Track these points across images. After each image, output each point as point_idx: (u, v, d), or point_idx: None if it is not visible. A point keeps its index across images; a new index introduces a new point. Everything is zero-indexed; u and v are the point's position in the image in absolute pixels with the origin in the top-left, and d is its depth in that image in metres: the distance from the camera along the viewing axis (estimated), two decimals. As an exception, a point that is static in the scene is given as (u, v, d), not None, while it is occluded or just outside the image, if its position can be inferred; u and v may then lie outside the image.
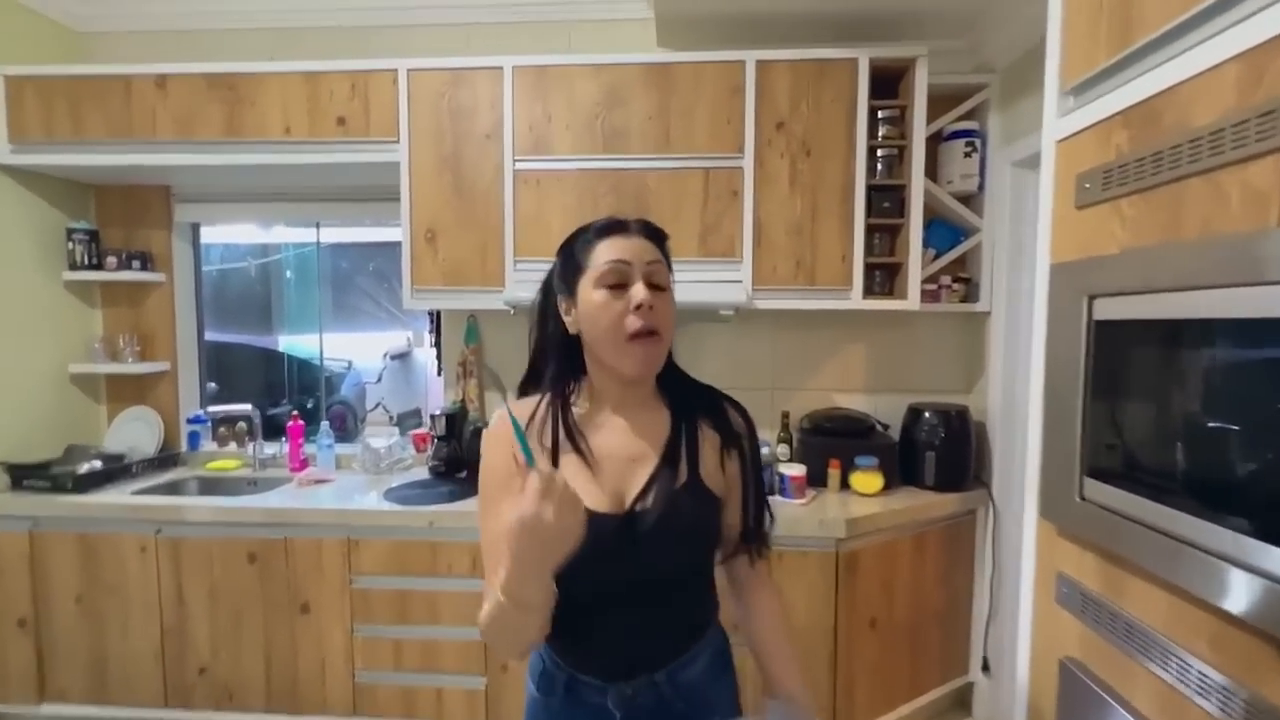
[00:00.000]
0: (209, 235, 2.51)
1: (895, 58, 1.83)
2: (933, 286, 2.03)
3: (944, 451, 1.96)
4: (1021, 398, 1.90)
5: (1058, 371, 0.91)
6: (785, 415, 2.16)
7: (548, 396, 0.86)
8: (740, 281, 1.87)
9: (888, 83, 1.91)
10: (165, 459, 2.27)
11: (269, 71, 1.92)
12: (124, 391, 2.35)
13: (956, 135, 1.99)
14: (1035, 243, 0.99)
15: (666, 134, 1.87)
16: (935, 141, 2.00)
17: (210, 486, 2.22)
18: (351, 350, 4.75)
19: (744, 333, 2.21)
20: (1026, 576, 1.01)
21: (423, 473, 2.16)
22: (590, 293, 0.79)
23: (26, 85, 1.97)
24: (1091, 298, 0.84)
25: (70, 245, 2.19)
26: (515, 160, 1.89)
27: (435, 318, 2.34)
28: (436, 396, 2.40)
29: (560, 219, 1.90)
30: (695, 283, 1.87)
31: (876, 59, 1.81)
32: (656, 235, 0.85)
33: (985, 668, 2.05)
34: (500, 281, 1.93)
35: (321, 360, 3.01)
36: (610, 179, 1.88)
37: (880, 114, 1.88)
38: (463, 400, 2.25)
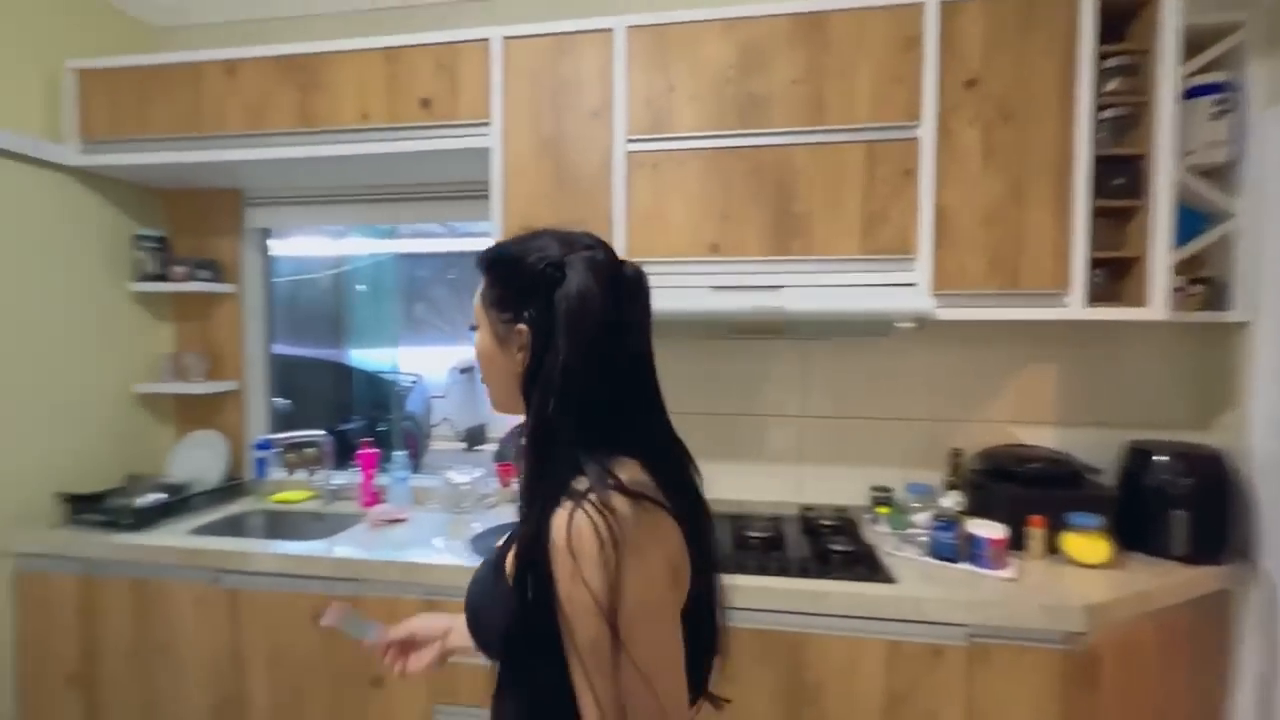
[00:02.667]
0: (279, 250, 2.31)
1: (1130, -12, 1.39)
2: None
3: (1194, 509, 1.47)
4: (1314, 440, 1.39)
5: None
6: (956, 454, 1.71)
7: None
8: (915, 285, 1.46)
9: (1112, 25, 1.46)
10: (230, 488, 2.05)
11: (345, 50, 1.67)
12: (192, 413, 2.16)
13: (1200, 91, 1.52)
14: None
15: (818, 101, 1.48)
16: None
17: (275, 523, 1.97)
18: (419, 364, 4.58)
19: (892, 350, 1.79)
20: None
21: (509, 512, 1.84)
22: None
23: (97, 80, 1.80)
24: None
25: (138, 254, 2.02)
26: (628, 141, 1.56)
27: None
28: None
29: (683, 210, 1.54)
30: (854, 287, 1.47)
31: (1106, -9, 1.38)
32: (481, 263, 0.73)
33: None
34: (608, 288, 1.58)
35: (395, 375, 2.78)
36: (746, 159, 1.52)
37: (1108, 63, 1.43)
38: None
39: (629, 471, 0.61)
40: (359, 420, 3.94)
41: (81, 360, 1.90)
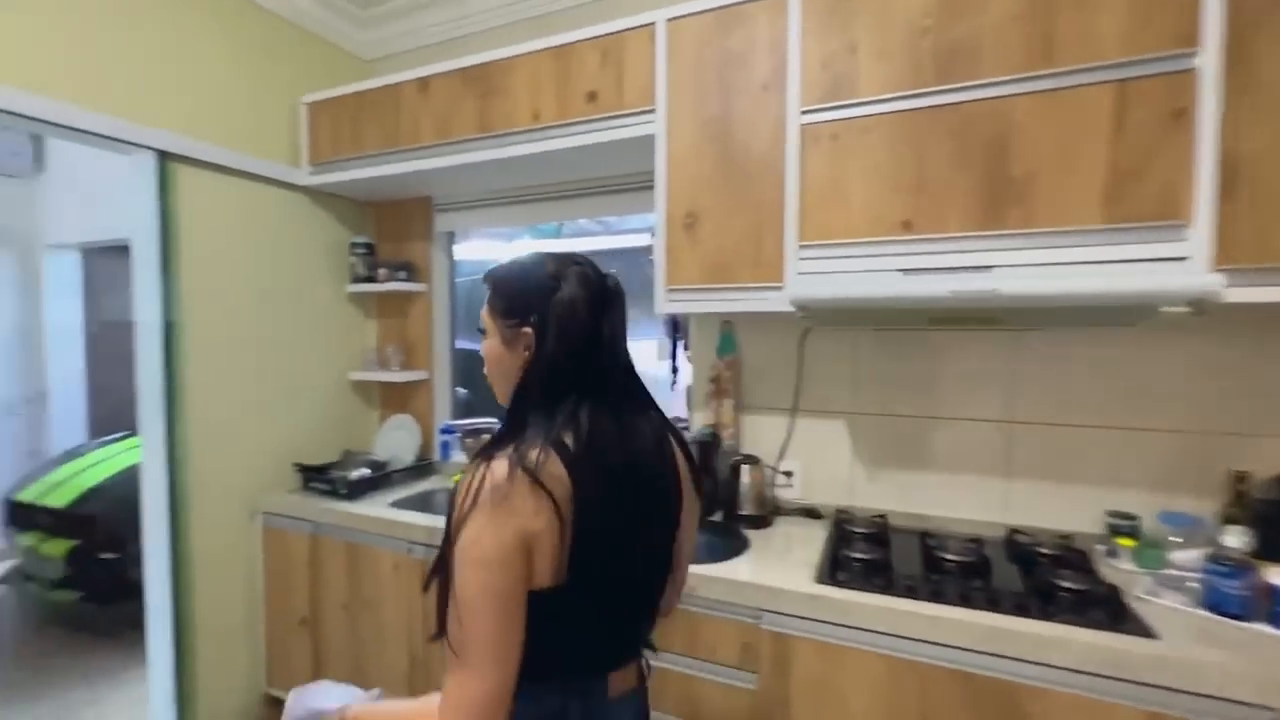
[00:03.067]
0: (460, 254, 2.51)
1: None
2: None
3: None
4: None
5: None
6: (1239, 478, 1.33)
7: None
8: (1186, 259, 1.14)
9: None
10: (421, 467, 2.27)
11: (519, 54, 1.74)
12: (391, 399, 2.44)
13: None
14: None
15: (1047, 39, 1.22)
16: None
17: (457, 501, 2.15)
18: None
19: (1138, 342, 1.43)
20: None
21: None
22: None
23: (322, 110, 2.09)
24: None
25: (352, 259, 2.32)
26: (803, 113, 1.42)
27: (674, 325, 1.99)
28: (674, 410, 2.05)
29: (867, 185, 1.37)
30: (1094, 263, 1.19)
31: None
32: (489, 280, 0.86)
33: None
34: (778, 275, 1.46)
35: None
36: (947, 119, 1.30)
37: None
38: (715, 425, 1.85)
39: (569, 437, 0.74)
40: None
41: (311, 352, 2.22)
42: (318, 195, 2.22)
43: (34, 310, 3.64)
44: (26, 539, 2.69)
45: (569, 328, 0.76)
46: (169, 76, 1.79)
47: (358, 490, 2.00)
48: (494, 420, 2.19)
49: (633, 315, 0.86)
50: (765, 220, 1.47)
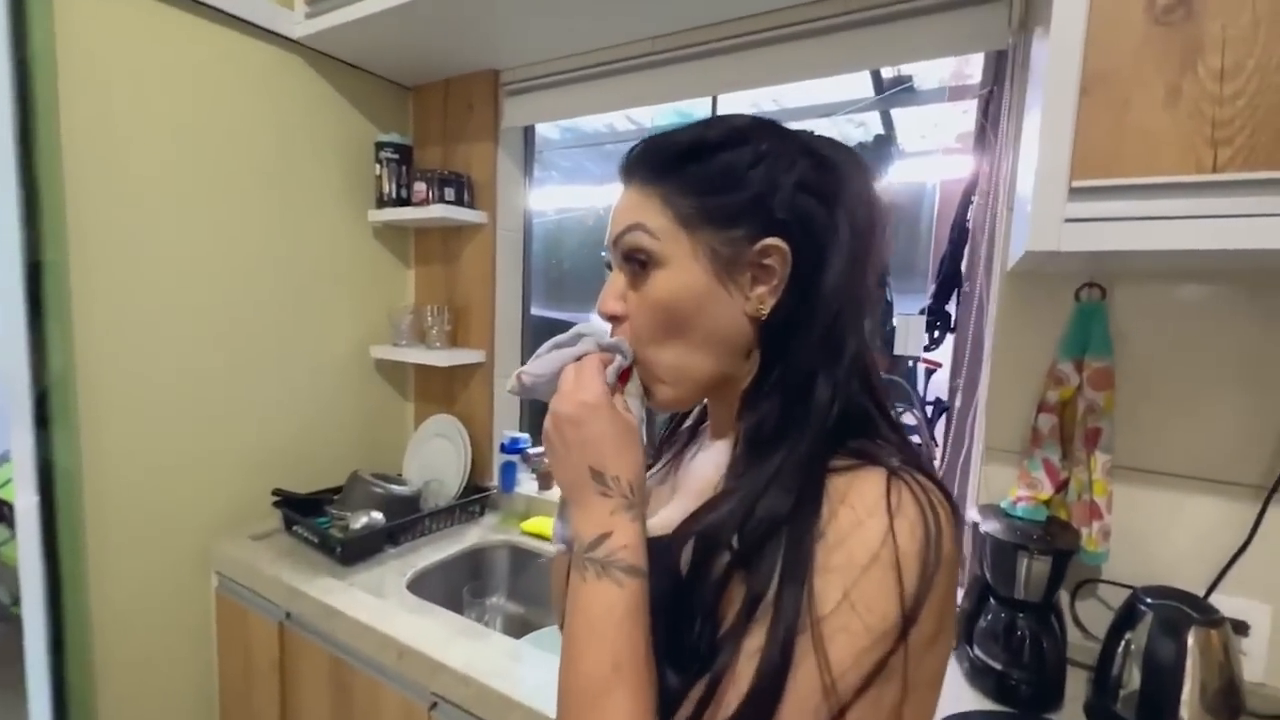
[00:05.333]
0: (537, 203, 1.62)
1: None
2: None
3: None
4: None
5: None
6: None
7: None
8: None
9: None
10: (470, 504, 1.44)
11: None
12: (431, 390, 1.62)
13: None
14: None
15: None
16: None
17: (523, 579, 1.31)
18: None
19: None
20: None
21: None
22: None
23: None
24: None
25: (378, 169, 1.48)
26: None
27: (943, 288, 1.01)
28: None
29: None
30: None
31: None
32: (648, 169, 0.46)
33: None
34: None
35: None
36: None
37: None
38: (1051, 500, 0.88)
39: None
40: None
41: (310, 314, 1.42)
42: (323, 61, 1.38)
43: None
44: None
45: (868, 246, 0.43)
46: None
47: (363, 548, 1.19)
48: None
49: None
50: None
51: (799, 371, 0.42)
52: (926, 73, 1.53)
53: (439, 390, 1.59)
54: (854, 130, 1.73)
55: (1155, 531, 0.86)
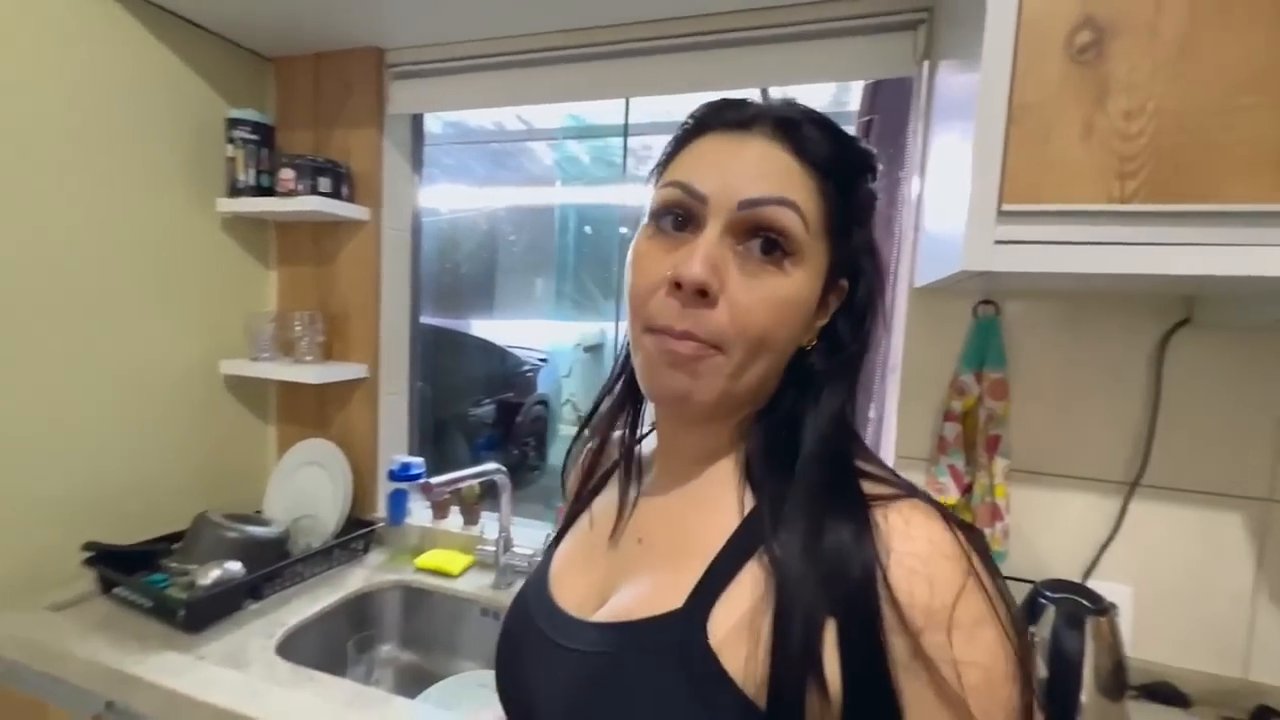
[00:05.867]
0: (424, 201, 1.47)
1: None
2: None
3: None
4: None
5: None
6: None
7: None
8: None
9: None
10: (351, 540, 1.25)
11: None
12: (300, 408, 1.39)
13: None
14: None
15: None
16: None
17: (418, 623, 1.16)
18: (530, 339, 3.85)
19: None
20: None
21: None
22: (639, 234, 0.41)
23: None
24: None
25: (230, 150, 1.25)
26: None
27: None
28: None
29: None
30: None
31: None
32: (805, 143, 0.39)
33: None
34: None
35: (524, 352, 1.92)
36: None
37: None
38: (957, 503, 0.93)
39: None
40: (489, 404, 3.21)
41: (148, 322, 1.15)
42: (155, 14, 1.14)
43: None
44: None
45: (878, 259, 0.43)
46: None
47: (215, 608, 0.98)
48: (491, 467, 1.19)
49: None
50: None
51: (821, 401, 0.40)
52: (806, 98, 1.62)
53: (309, 411, 1.37)
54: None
55: (1041, 527, 0.95)
